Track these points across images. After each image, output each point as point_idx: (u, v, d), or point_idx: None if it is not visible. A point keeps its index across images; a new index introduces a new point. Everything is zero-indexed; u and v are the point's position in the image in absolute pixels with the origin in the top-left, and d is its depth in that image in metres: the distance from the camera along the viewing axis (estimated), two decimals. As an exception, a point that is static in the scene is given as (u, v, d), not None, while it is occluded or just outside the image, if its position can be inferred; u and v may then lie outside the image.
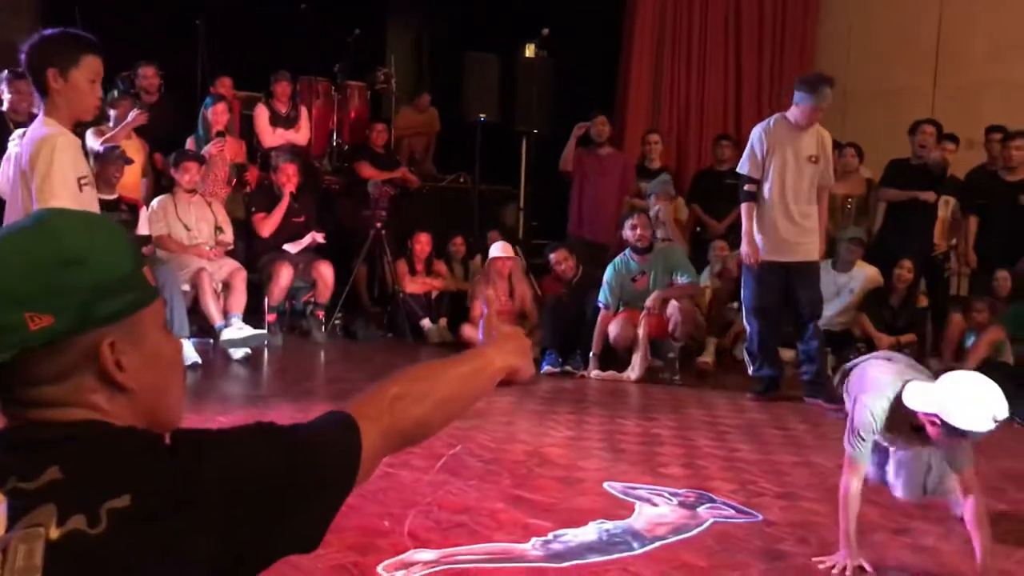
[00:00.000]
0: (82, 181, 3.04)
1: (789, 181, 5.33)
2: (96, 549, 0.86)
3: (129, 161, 5.87)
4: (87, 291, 0.93)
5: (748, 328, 5.58)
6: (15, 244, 0.94)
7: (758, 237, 5.37)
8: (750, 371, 5.66)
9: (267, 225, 6.77)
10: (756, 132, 5.47)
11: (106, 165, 5.55)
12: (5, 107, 5.66)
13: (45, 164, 2.90)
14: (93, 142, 5.68)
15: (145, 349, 0.99)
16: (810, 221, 5.39)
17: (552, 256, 6.82)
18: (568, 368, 6.24)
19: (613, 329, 6.14)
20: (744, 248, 5.44)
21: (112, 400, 0.98)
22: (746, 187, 5.43)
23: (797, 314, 5.51)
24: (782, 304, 5.49)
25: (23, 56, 2.95)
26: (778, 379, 5.59)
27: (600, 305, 6.27)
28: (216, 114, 6.85)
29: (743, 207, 5.47)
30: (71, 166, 2.98)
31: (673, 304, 6.05)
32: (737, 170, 5.61)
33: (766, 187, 5.36)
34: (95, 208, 3.17)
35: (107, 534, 0.87)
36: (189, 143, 6.85)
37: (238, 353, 5.98)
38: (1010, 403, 5.42)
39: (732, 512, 3.42)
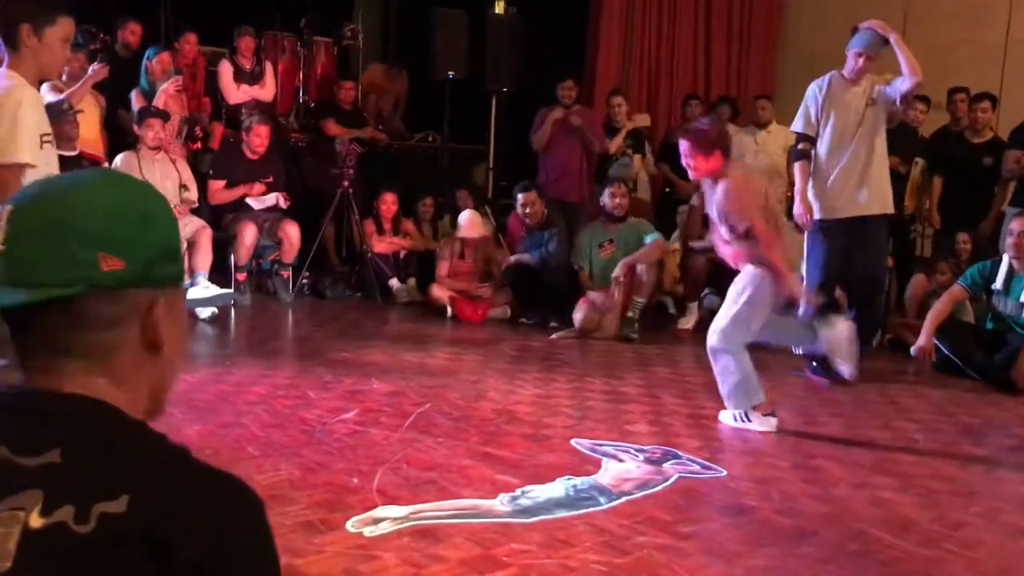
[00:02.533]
0: (44, 138, 2.99)
1: (846, 137, 5.13)
2: (76, 550, 0.81)
3: (79, 111, 5.76)
4: (154, 248, 0.96)
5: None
6: (98, 189, 0.97)
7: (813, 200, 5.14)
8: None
9: (220, 197, 6.67)
10: (811, 89, 5.23)
11: (60, 122, 5.42)
12: None
13: (9, 119, 2.84)
14: (50, 98, 5.55)
15: (176, 321, 1.01)
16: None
17: (520, 196, 6.68)
18: (523, 320, 6.55)
19: (578, 315, 6.11)
20: (797, 208, 5.17)
21: (138, 363, 0.97)
22: (800, 146, 5.23)
23: (854, 279, 5.31)
24: (847, 265, 5.21)
25: None
26: None
27: (577, 267, 6.40)
28: (161, 62, 6.74)
29: (796, 166, 5.25)
30: (36, 122, 2.93)
31: (640, 266, 6.11)
32: (791, 128, 5.39)
33: (822, 145, 5.16)
34: (55, 166, 3.10)
35: (92, 537, 0.82)
36: (134, 96, 6.72)
37: (204, 312, 5.94)
38: (970, 360, 5.55)
39: (697, 468, 3.46)
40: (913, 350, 5.52)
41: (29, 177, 2.88)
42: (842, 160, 5.13)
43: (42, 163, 2.97)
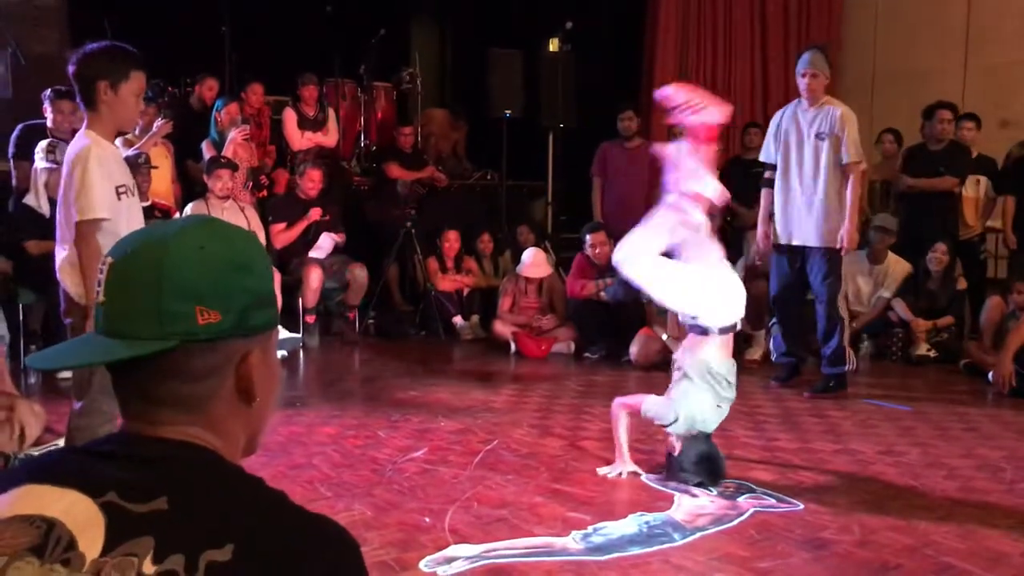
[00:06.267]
0: (119, 190, 3.05)
1: (793, 160, 5.31)
2: None
3: (154, 167, 5.95)
4: (249, 297, 0.96)
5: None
6: (194, 239, 0.95)
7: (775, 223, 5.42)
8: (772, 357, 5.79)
9: (283, 238, 6.79)
10: (774, 118, 5.56)
11: (135, 174, 5.59)
12: (49, 124, 5.75)
13: (80, 179, 2.94)
14: (123, 151, 5.74)
15: (268, 367, 1.01)
16: (818, 203, 5.21)
17: (589, 237, 6.66)
18: (587, 355, 6.48)
19: (634, 348, 6.12)
20: (758, 232, 5.57)
21: (233, 412, 0.98)
22: (766, 174, 5.48)
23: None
24: (800, 288, 5.45)
25: (72, 67, 2.96)
26: (797, 366, 5.58)
27: (645, 300, 6.30)
28: (229, 113, 6.93)
29: (762, 193, 5.53)
30: (106, 176, 2.99)
31: None
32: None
33: (779, 170, 5.39)
34: (137, 216, 3.18)
35: None
36: (205, 147, 6.93)
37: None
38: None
39: (772, 501, 3.40)
40: (991, 375, 5.37)
41: (104, 230, 2.97)
42: (786, 184, 5.33)
43: (120, 214, 3.03)
